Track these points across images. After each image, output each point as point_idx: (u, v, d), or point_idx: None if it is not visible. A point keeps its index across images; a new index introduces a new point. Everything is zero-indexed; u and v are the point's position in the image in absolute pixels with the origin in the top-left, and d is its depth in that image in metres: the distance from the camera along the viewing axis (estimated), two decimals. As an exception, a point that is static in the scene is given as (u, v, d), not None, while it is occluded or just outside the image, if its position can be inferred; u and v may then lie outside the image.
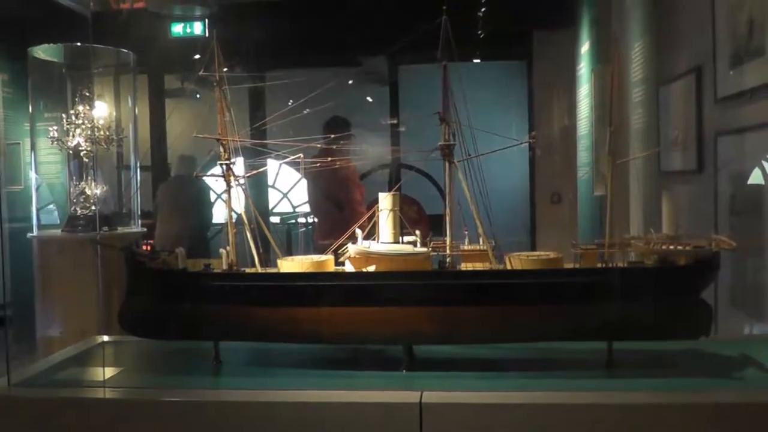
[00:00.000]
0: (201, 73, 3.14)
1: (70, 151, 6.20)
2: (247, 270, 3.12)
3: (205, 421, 2.74)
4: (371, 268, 2.97)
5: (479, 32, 6.86)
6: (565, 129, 7.47)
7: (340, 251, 3.05)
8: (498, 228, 3.07)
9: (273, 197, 10.43)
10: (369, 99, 9.04)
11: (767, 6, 3.73)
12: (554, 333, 2.97)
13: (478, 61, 8.32)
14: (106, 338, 3.73)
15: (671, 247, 2.90)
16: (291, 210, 10.50)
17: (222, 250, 3.11)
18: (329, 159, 3.50)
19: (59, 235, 6.22)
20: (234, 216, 3.19)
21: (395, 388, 2.78)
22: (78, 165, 6.25)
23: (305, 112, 3.67)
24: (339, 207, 6.27)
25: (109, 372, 3.14)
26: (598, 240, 3.04)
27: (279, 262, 3.09)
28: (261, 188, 8.23)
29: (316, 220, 6.91)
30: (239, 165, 3.24)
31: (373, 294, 2.93)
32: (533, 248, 3.18)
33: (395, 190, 3.12)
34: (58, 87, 6.38)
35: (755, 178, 3.92)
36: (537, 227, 8.10)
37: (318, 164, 3.51)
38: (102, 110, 6.27)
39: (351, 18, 7.76)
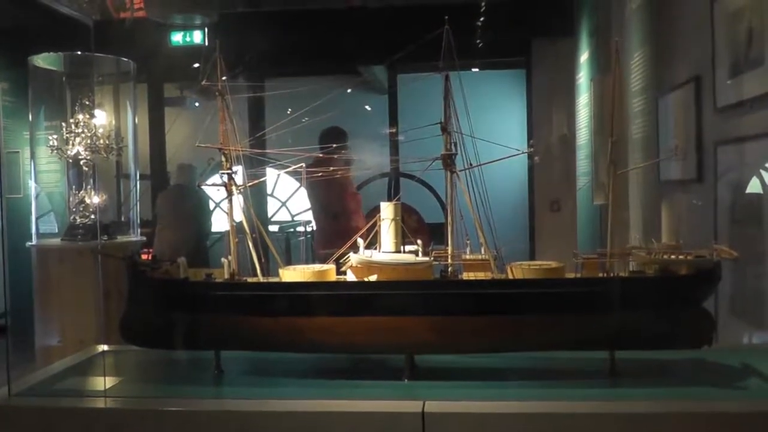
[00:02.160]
0: (204, 83, 3.14)
1: (70, 160, 6.20)
2: (249, 279, 3.12)
3: (207, 431, 2.74)
4: (373, 278, 2.97)
5: (478, 41, 6.89)
6: (565, 138, 7.49)
7: (341, 260, 3.05)
8: (497, 236, 3.07)
9: (271, 206, 10.43)
10: (368, 108, 9.07)
11: (766, 15, 3.75)
12: (556, 342, 2.97)
13: (477, 69, 8.35)
14: (106, 348, 3.72)
15: (672, 256, 2.90)
16: (289, 219, 10.50)
17: (223, 260, 3.11)
18: (331, 168, 3.51)
19: (58, 243, 6.22)
20: (234, 225, 3.19)
21: (397, 397, 2.78)
22: (77, 174, 6.25)
23: (304, 121, 3.68)
24: (333, 216, 6.29)
25: (110, 381, 3.13)
26: (600, 249, 3.04)
27: (281, 271, 3.09)
28: (260, 197, 8.23)
29: (315, 228, 6.92)
30: (239, 174, 3.24)
31: (375, 303, 2.92)
32: (532, 256, 3.19)
33: (396, 200, 3.12)
34: (58, 96, 6.39)
35: (754, 187, 3.93)
36: (536, 235, 8.11)
37: (314, 174, 3.52)
38: (102, 119, 6.28)
39: (350, 27, 7.79)
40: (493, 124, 4.10)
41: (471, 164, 3.06)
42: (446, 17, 2.99)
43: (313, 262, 3.68)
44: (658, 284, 2.93)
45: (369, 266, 2.98)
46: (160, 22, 7.70)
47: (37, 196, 6.55)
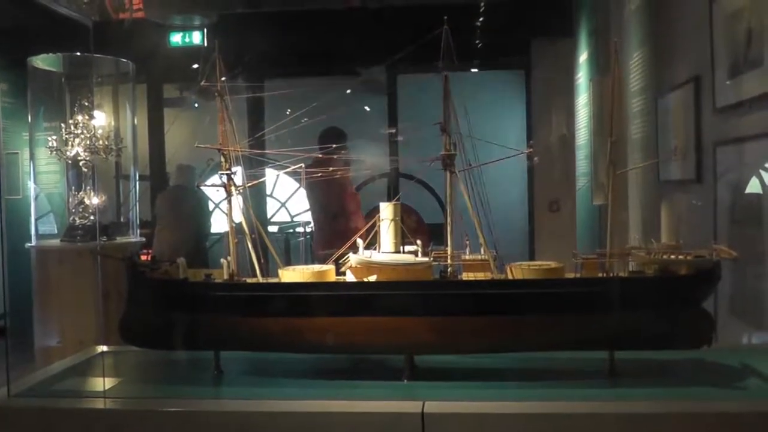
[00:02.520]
0: (203, 83, 3.14)
1: (69, 161, 6.20)
2: (249, 280, 3.12)
3: (206, 431, 2.74)
4: (372, 278, 2.97)
5: (478, 41, 6.89)
6: (564, 138, 7.48)
7: (341, 261, 3.05)
8: (496, 237, 3.07)
9: (271, 207, 10.42)
10: (367, 108, 9.05)
11: (765, 16, 3.75)
12: (556, 342, 2.97)
13: (477, 70, 8.34)
14: (105, 348, 3.72)
15: (672, 256, 2.90)
16: (289, 219, 10.49)
17: (223, 260, 3.11)
18: (330, 168, 3.52)
19: (58, 244, 6.22)
20: (233, 226, 3.19)
21: (397, 398, 2.78)
22: (77, 175, 6.26)
23: (303, 121, 3.68)
24: (333, 217, 6.30)
25: (109, 382, 3.13)
26: (599, 249, 3.04)
27: (280, 272, 3.09)
28: (259, 198, 8.23)
29: (314, 229, 6.92)
30: (239, 174, 3.24)
31: (374, 304, 2.92)
32: (532, 257, 3.19)
33: (396, 200, 3.12)
34: (57, 97, 6.39)
35: (753, 187, 3.93)
36: (536, 236, 8.10)
37: (313, 174, 3.52)
38: (101, 120, 6.28)
39: (349, 27, 7.78)
40: (493, 124, 4.10)
41: (470, 165, 3.06)
42: (445, 17, 2.99)
43: (313, 262, 3.68)
44: (658, 284, 2.93)
45: (368, 266, 2.98)
46: (159, 22, 7.69)
47: (36, 197, 6.56)
